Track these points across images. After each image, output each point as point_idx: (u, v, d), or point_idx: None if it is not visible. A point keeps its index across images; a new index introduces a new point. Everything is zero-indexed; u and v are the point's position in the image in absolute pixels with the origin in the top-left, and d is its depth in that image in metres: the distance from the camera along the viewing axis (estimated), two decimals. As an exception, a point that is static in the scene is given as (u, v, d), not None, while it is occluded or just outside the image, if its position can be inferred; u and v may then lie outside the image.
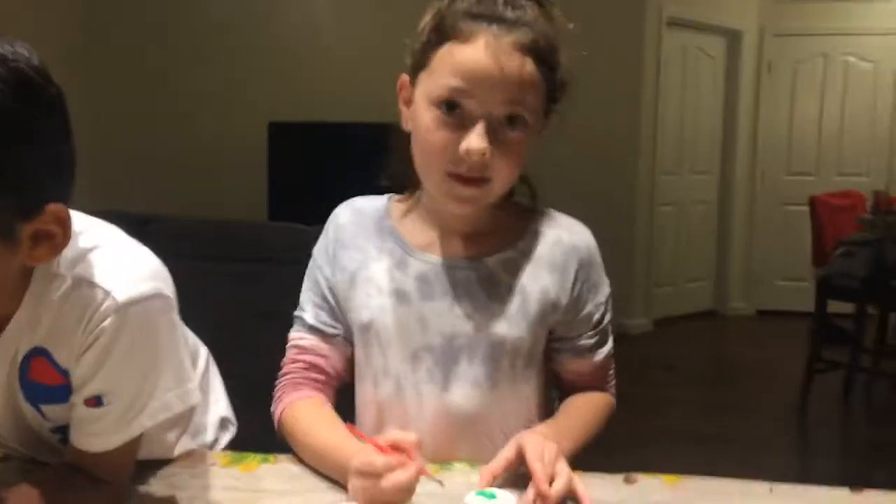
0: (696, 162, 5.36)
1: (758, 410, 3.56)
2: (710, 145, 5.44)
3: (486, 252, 0.94)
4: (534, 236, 0.96)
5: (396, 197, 1.00)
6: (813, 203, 3.73)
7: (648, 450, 2.85)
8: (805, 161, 5.56)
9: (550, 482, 0.76)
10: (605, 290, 0.99)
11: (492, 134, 0.85)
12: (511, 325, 0.92)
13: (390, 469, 0.73)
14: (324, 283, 0.97)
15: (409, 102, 0.92)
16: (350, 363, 0.99)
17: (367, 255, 0.96)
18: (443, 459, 0.88)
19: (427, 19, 0.89)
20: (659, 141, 4.89)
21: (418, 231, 0.96)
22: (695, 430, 3.23)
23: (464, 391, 0.92)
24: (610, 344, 1.00)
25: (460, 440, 0.92)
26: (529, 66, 0.85)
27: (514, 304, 0.92)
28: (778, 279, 5.52)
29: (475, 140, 0.84)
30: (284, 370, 0.98)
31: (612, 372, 1.03)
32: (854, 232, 3.45)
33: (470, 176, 0.86)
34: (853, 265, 3.30)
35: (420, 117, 0.88)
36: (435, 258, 0.94)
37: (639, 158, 4.73)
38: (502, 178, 0.89)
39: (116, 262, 0.76)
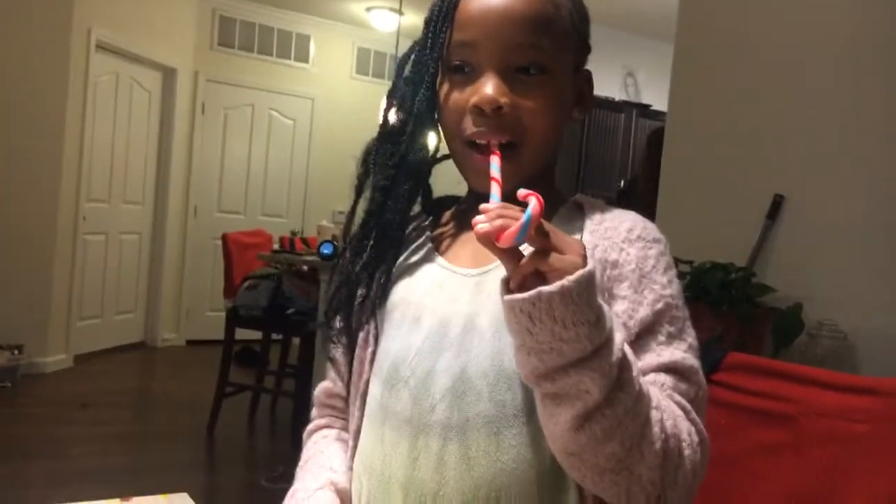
0: (128, 191, 5.31)
1: (172, 436, 3.68)
2: (144, 176, 5.47)
3: None
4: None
5: None
6: (224, 239, 4.07)
7: (64, 491, 2.70)
8: (234, 200, 6.03)
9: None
10: None
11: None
12: None
13: None
14: None
15: None
16: None
17: None
18: None
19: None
20: (85, 167, 4.69)
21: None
22: (108, 465, 3.18)
23: None
24: None
25: None
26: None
27: None
28: (207, 310, 5.82)
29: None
30: None
31: None
32: (259, 268, 3.88)
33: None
34: (257, 296, 3.71)
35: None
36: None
37: (60, 184, 4.45)
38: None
39: None
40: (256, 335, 3.99)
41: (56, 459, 3.21)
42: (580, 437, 0.61)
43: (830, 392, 0.96)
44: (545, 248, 0.59)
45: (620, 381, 0.60)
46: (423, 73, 0.80)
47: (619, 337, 0.61)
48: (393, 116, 0.83)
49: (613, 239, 0.75)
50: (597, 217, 0.78)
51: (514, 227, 0.57)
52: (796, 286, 2.02)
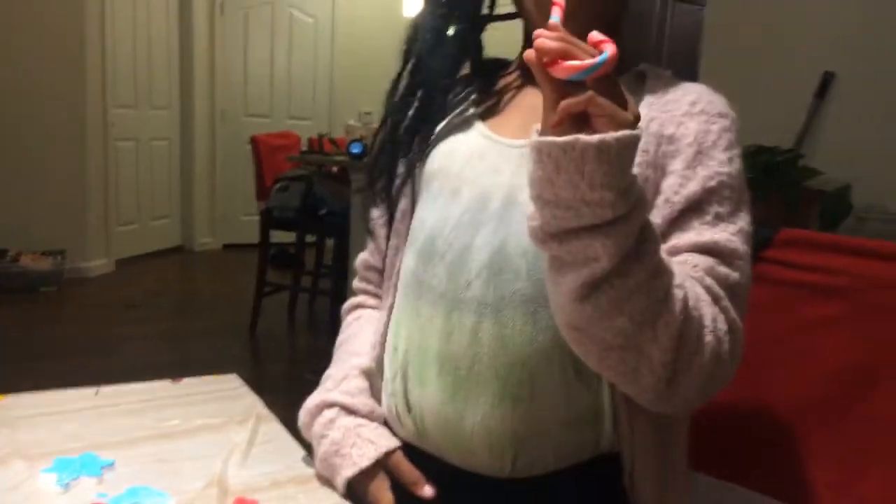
0: (154, 97, 5.26)
1: (216, 334, 3.79)
2: (169, 81, 5.40)
3: None
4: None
5: None
6: (254, 142, 4.04)
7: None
8: (260, 103, 5.95)
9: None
10: None
11: None
12: None
13: None
14: None
15: None
16: None
17: None
18: None
19: None
20: (109, 72, 4.63)
21: None
22: (156, 361, 3.29)
23: None
24: None
25: None
26: None
27: None
28: (241, 214, 5.86)
29: None
30: None
31: None
32: (289, 169, 3.87)
33: None
34: (289, 198, 3.71)
35: None
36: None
37: (86, 90, 4.42)
38: None
39: None
40: (290, 238, 4.02)
41: (105, 357, 3.33)
42: (585, 308, 0.57)
43: (893, 263, 0.93)
44: (604, 94, 0.52)
45: (637, 252, 0.55)
46: None
47: (643, 210, 0.56)
48: None
49: (673, 112, 0.71)
50: (659, 90, 0.73)
51: (584, 62, 0.50)
52: (845, 168, 1.94)
